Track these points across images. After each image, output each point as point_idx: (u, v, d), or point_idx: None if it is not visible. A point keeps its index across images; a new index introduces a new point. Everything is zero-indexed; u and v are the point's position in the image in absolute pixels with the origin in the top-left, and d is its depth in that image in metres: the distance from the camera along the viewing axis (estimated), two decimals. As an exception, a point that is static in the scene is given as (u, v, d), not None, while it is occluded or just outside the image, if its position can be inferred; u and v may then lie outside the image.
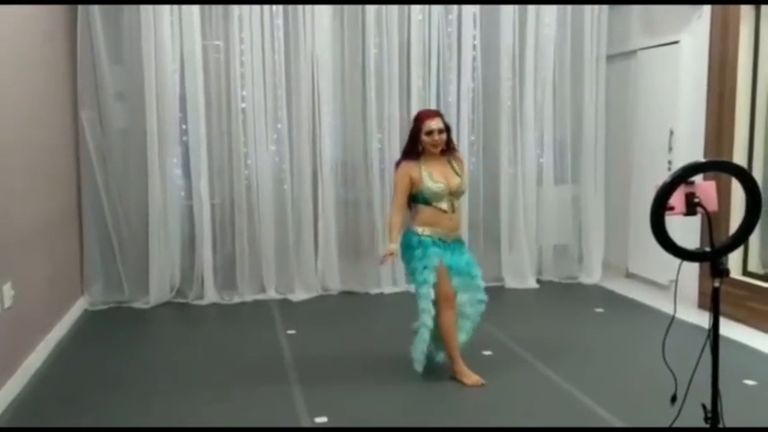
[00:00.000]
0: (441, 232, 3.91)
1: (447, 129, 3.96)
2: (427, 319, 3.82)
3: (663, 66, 5.88)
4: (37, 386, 3.96)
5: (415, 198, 3.92)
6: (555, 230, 6.50)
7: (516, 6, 6.16)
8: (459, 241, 4.05)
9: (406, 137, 6.03)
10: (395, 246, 3.84)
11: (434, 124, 3.88)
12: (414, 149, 3.95)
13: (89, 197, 5.65)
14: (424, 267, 3.85)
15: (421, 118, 3.96)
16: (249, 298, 5.89)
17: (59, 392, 3.89)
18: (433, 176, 3.87)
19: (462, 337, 4.01)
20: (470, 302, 4.01)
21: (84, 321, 5.31)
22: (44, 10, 4.83)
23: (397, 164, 4.01)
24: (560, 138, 6.42)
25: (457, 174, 3.95)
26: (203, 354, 4.55)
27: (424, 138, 3.88)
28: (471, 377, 3.89)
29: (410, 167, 3.91)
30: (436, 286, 3.85)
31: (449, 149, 4.00)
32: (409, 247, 3.92)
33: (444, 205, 3.90)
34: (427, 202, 3.89)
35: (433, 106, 5.92)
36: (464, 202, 5.77)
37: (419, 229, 3.90)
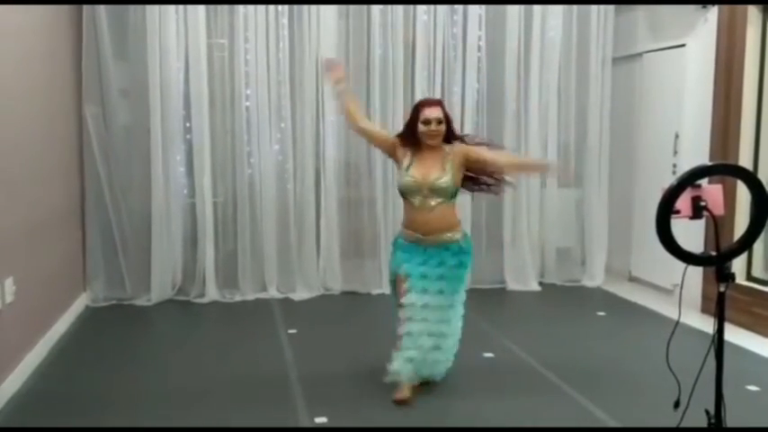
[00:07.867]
0: (411, 235, 3.63)
1: (447, 120, 3.65)
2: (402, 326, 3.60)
3: (669, 69, 5.86)
4: (37, 382, 3.95)
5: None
6: (558, 233, 6.48)
7: (522, 8, 6.14)
8: (445, 248, 3.59)
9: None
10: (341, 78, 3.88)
11: (432, 113, 3.59)
12: (410, 138, 3.67)
13: (92, 193, 5.63)
14: (390, 271, 3.81)
15: (420, 106, 3.69)
16: (251, 296, 5.87)
17: (60, 389, 3.88)
18: (410, 167, 3.61)
19: (396, 365, 3.58)
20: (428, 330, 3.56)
21: (85, 318, 5.30)
22: (49, 6, 4.81)
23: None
24: (565, 140, 6.40)
25: (444, 169, 3.57)
26: (204, 352, 4.54)
27: (421, 127, 3.59)
28: (400, 392, 3.62)
29: (400, 143, 3.71)
30: (396, 293, 3.70)
31: (449, 142, 3.67)
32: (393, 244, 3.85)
33: (416, 201, 3.59)
34: (403, 195, 3.67)
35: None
36: (466, 203, 5.78)
37: (400, 228, 3.76)
